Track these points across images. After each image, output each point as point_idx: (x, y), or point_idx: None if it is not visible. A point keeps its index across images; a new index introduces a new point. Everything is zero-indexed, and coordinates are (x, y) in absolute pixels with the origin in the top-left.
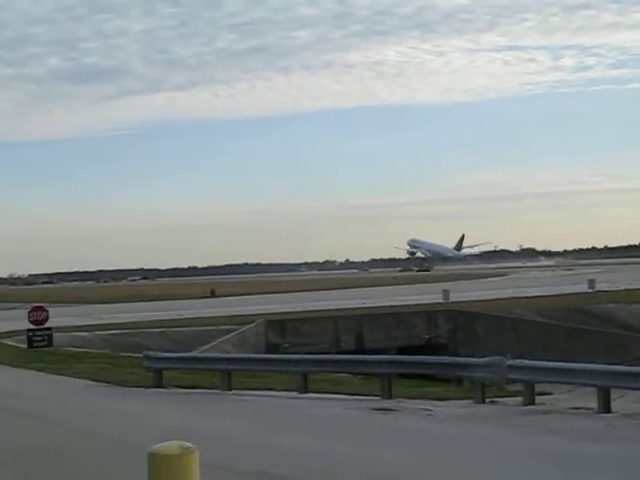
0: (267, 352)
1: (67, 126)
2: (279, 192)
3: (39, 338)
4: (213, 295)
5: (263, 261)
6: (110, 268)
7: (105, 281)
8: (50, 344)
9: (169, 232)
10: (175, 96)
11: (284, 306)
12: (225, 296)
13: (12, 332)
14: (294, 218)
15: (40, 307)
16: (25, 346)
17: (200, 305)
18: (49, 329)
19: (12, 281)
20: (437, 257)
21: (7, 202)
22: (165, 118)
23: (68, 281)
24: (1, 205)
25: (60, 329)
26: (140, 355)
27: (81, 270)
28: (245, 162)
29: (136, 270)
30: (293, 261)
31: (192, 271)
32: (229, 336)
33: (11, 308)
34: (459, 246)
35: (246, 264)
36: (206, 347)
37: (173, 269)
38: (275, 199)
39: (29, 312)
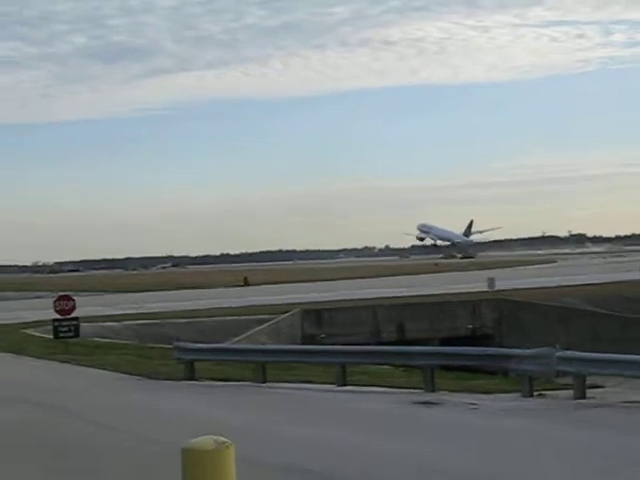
0: (303, 343)
1: (93, 107)
2: (314, 175)
3: (65, 328)
4: (246, 283)
5: (299, 248)
6: (139, 255)
7: (134, 269)
8: (77, 335)
9: (200, 218)
10: (205, 75)
11: (321, 295)
12: (259, 284)
13: (37, 322)
14: (330, 202)
15: (66, 296)
16: (51, 337)
17: (233, 294)
18: (76, 319)
19: (36, 269)
20: (446, 243)
21: (31, 186)
22: (194, 98)
23: (95, 269)
24: (25, 189)
25: (87, 319)
26: (170, 346)
27: (109, 257)
28: (279, 144)
29: (166, 258)
30: (330, 248)
31: (224, 258)
32: (263, 326)
33: (36, 297)
34: (468, 232)
35: (280, 251)
36: (239, 338)
37: (204, 256)
38: (310, 183)
39: (55, 301)
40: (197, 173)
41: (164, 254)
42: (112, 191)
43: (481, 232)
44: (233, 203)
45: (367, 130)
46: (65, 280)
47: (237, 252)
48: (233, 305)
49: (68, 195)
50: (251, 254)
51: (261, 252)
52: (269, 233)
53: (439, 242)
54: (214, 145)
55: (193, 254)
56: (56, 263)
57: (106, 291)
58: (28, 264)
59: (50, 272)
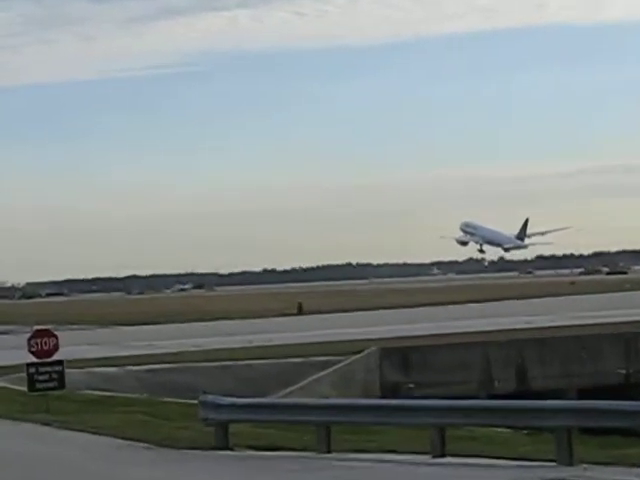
0: (383, 396)
1: (77, 62)
2: (393, 159)
3: (44, 377)
4: (301, 311)
5: (375, 260)
6: (146, 272)
7: (140, 292)
8: (61, 385)
9: (232, 218)
10: (238, 16)
11: (407, 327)
12: (318, 312)
13: (3, 368)
14: (416, 196)
15: (45, 331)
16: (24, 388)
17: (282, 326)
18: (59, 363)
19: (3, 293)
20: (493, 246)
21: None
22: (221, 49)
23: (85, 292)
24: None
25: (74, 363)
26: (194, 401)
27: (104, 276)
28: (342, 114)
29: (185, 275)
30: (420, 260)
31: (268, 276)
32: (326, 372)
33: (2, 332)
34: (522, 234)
35: (349, 265)
36: (292, 389)
37: (241, 273)
38: (387, 169)
39: (30, 339)
40: (228, 154)
41: (183, 271)
42: (106, 182)
43: (542, 234)
44: (280, 198)
45: (464, 93)
46: (44, 308)
47: (286, 267)
48: (281, 343)
49: (41, 184)
50: (306, 270)
51: (321, 267)
52: (331, 240)
53: (485, 246)
54: (249, 117)
55: (223, 270)
56: (30, 284)
57: (101, 323)
58: None
59: (22, 297)
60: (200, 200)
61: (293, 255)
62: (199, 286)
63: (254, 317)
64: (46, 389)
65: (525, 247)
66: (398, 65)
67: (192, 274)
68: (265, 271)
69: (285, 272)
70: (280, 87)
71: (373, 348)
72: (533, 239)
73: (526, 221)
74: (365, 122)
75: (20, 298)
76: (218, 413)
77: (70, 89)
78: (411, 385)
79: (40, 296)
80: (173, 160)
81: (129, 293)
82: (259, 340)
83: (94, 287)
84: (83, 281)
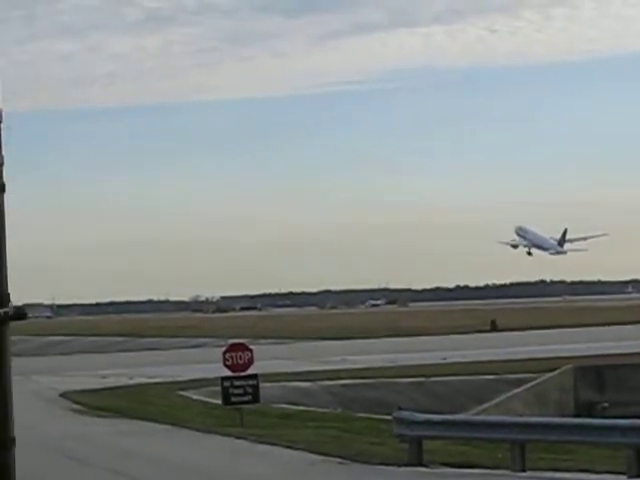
0: (577, 414)
1: (270, 77)
2: (589, 175)
3: (239, 391)
4: (494, 328)
5: (569, 278)
6: (339, 287)
7: (333, 307)
8: (255, 399)
9: (427, 231)
10: (432, 32)
11: (602, 345)
12: (512, 330)
13: (199, 381)
14: (621, 211)
15: (241, 345)
16: (219, 402)
17: (475, 343)
18: (254, 377)
19: (197, 306)
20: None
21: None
22: (414, 65)
23: (278, 306)
24: (165, 190)
25: (269, 377)
26: (387, 417)
27: (296, 291)
28: (542, 129)
29: (378, 291)
30: (615, 278)
31: (460, 292)
32: (520, 390)
33: (196, 345)
34: (562, 240)
35: (542, 282)
36: (486, 406)
37: (434, 289)
38: (581, 186)
39: (225, 352)
40: (430, 169)
41: (375, 286)
42: (291, 196)
43: (571, 241)
44: (470, 213)
45: None
46: (237, 322)
47: (479, 284)
48: (475, 359)
49: (235, 199)
50: (499, 287)
51: (514, 284)
52: (523, 256)
53: (533, 250)
54: (437, 130)
55: (416, 287)
56: (224, 298)
57: (295, 338)
58: (185, 299)
59: (216, 311)
60: (396, 212)
61: (486, 271)
62: (392, 302)
63: (447, 333)
64: (241, 402)
65: (565, 253)
66: (594, 84)
67: (385, 289)
68: (458, 287)
69: (478, 289)
70: (463, 104)
71: (568, 366)
72: (571, 245)
73: (565, 231)
74: (565, 138)
75: (214, 312)
76: (412, 429)
77: (263, 105)
78: (606, 404)
79: (234, 310)
80: (374, 174)
81: (322, 308)
82: (453, 356)
83: (287, 301)
84: (276, 296)
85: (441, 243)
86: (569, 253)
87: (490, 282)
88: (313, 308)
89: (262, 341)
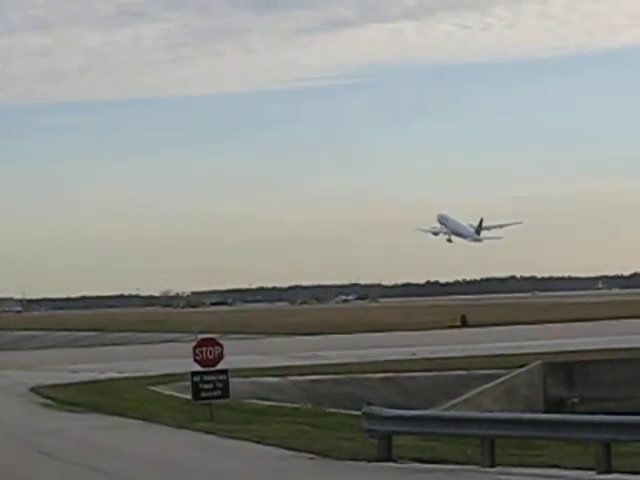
0: (547, 410)
1: (241, 73)
2: (565, 170)
3: (209, 386)
4: (464, 324)
5: (539, 273)
6: (308, 283)
7: (303, 302)
8: (225, 395)
9: (397, 228)
10: (402, 28)
11: (571, 342)
12: (481, 326)
13: (169, 376)
14: (581, 207)
15: (211, 340)
16: (189, 397)
17: (444, 339)
18: (224, 372)
19: (168, 301)
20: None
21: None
22: (387, 61)
23: (249, 302)
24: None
25: (239, 372)
26: (357, 412)
27: (267, 286)
28: (512, 122)
29: (348, 286)
30: (583, 274)
31: (431, 288)
32: (489, 385)
33: (166, 340)
34: (479, 228)
35: (513, 278)
36: (455, 401)
37: (404, 285)
38: (559, 180)
39: (195, 347)
40: (404, 166)
41: (345, 281)
42: (278, 189)
43: (488, 229)
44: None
45: None
46: (208, 317)
47: (449, 280)
48: (445, 355)
49: (203, 194)
50: (470, 282)
51: (484, 280)
52: (495, 252)
53: (453, 237)
54: (417, 125)
55: (387, 282)
56: (194, 293)
57: (266, 333)
58: (156, 294)
59: (187, 306)
60: (365, 209)
61: (456, 268)
62: (363, 297)
63: (417, 329)
64: (210, 398)
65: (481, 240)
66: (559, 77)
67: (356, 285)
68: (428, 283)
69: (448, 284)
70: (435, 98)
71: (537, 362)
72: (487, 233)
73: (481, 220)
74: (537, 131)
75: (184, 307)
76: (382, 424)
77: (234, 101)
78: (575, 400)
79: (204, 305)
80: (344, 169)
81: (293, 303)
82: (423, 352)
83: (258, 297)
84: (246, 291)
85: (411, 239)
86: (485, 241)
87: (460, 278)
88: (284, 303)
89: (233, 336)
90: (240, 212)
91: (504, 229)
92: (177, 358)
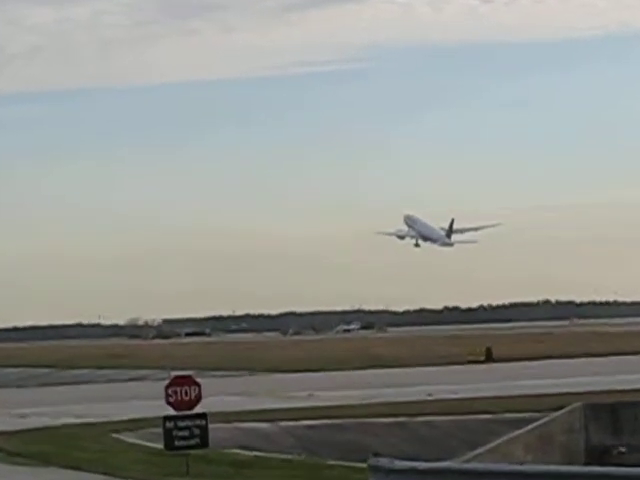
0: (588, 462)
1: (218, 56)
2: (601, 174)
3: (184, 433)
4: (489, 358)
5: (578, 297)
6: (303, 309)
7: (295, 332)
8: (204, 443)
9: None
10: (413, 2)
11: (616, 379)
12: (510, 360)
13: (137, 421)
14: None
15: (186, 377)
16: (160, 446)
17: (467, 376)
18: (202, 416)
19: (135, 331)
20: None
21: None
22: (395, 41)
23: (232, 332)
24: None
25: (220, 417)
26: (361, 464)
27: (254, 312)
28: (547, 115)
29: (351, 313)
30: (632, 298)
31: (450, 315)
32: (520, 432)
33: (134, 378)
34: (449, 231)
35: (547, 302)
36: (479, 451)
37: (418, 311)
38: (596, 187)
39: (167, 387)
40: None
41: (347, 307)
42: (244, 201)
43: (462, 232)
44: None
45: None
46: (183, 350)
47: (472, 305)
48: (467, 395)
49: (172, 202)
50: (495, 308)
51: (512, 304)
52: (527, 271)
53: (421, 242)
54: (436, 120)
55: (397, 307)
56: (166, 321)
57: (252, 369)
58: (121, 323)
59: (157, 336)
60: (370, 219)
61: (480, 290)
62: (368, 326)
63: (434, 364)
64: (186, 447)
65: (452, 245)
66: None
67: (359, 311)
68: (446, 309)
69: (470, 310)
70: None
71: (577, 404)
72: (460, 236)
73: (452, 222)
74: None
75: (154, 338)
76: (391, 478)
77: (209, 89)
78: (622, 449)
79: (179, 336)
80: (349, 175)
81: (285, 334)
82: (440, 392)
83: (243, 325)
84: (230, 318)
85: (425, 255)
86: (456, 245)
87: (485, 302)
88: (274, 334)
89: (212, 373)
90: (220, 223)
91: (480, 232)
92: (146, 400)
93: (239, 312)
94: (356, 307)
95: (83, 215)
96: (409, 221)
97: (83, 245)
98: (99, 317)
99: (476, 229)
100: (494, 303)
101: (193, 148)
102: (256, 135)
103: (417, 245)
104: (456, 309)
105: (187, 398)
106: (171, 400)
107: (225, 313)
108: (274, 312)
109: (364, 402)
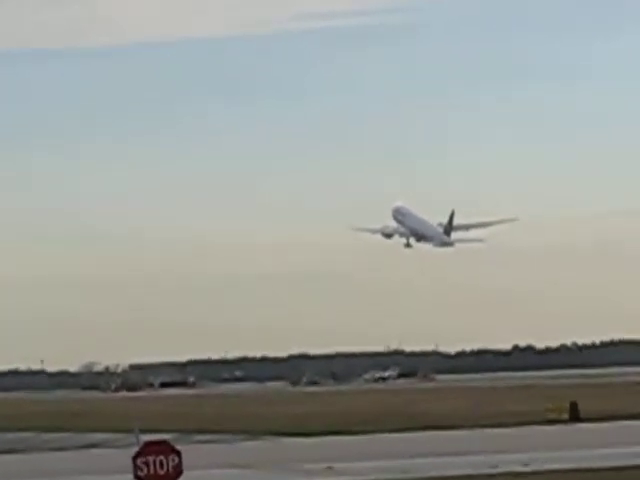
0: None
1: (204, 10)
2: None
3: None
4: (575, 416)
5: None
6: (320, 351)
7: (312, 381)
8: None
9: (475, 258)
10: None
11: None
12: (602, 419)
13: None
14: None
15: (161, 444)
16: None
17: (545, 440)
18: None
19: (91, 380)
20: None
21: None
22: None
23: (223, 381)
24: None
25: None
26: None
27: (253, 355)
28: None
29: (386, 355)
30: None
31: (521, 357)
32: None
33: (89, 445)
34: (449, 227)
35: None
36: None
37: (476, 353)
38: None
39: (136, 456)
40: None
41: (381, 347)
42: (247, 204)
43: (466, 228)
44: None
45: None
46: (158, 406)
47: (550, 344)
48: (546, 467)
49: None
50: (582, 349)
51: (604, 344)
52: (623, 298)
53: (413, 241)
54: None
55: (447, 347)
56: (135, 367)
57: (250, 432)
58: (72, 369)
59: (122, 388)
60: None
61: (562, 323)
62: (409, 373)
63: (499, 425)
64: None
65: (451, 244)
66: None
67: (398, 353)
68: (516, 349)
69: (548, 351)
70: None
71: None
72: (462, 234)
73: (452, 214)
74: None
75: (118, 389)
76: None
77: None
78: None
79: (151, 387)
80: (375, 169)
81: (296, 384)
82: (509, 463)
83: (239, 373)
84: (220, 363)
85: (483, 277)
86: (458, 245)
87: (568, 341)
88: (281, 383)
89: (198, 437)
90: (206, 232)
91: (489, 229)
92: (105, 475)
93: (233, 355)
94: (393, 347)
95: (22, 230)
96: (398, 215)
97: (18, 264)
98: (42, 362)
99: (484, 225)
100: (580, 341)
101: (164, 139)
102: (245, 115)
103: (408, 245)
104: (530, 349)
105: (163, 472)
106: (141, 474)
107: (214, 356)
108: (280, 354)
109: (403, 477)
